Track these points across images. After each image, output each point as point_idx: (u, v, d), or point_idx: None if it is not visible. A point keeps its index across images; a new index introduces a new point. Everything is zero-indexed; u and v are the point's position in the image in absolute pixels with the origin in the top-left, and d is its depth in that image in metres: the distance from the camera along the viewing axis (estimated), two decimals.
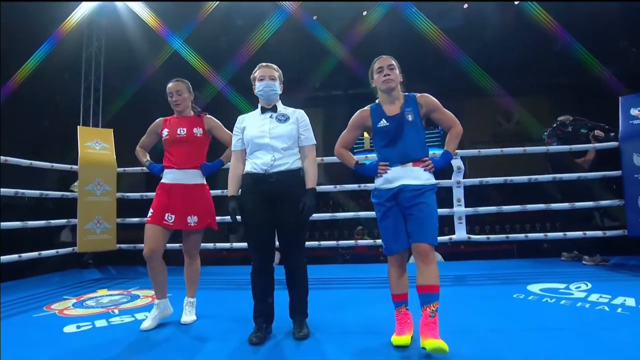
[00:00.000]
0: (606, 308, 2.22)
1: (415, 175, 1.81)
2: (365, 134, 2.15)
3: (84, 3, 5.57)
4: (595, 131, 3.57)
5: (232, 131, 2.13)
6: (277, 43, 7.48)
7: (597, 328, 1.94)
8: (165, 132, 2.31)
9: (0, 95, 6.07)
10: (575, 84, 9.26)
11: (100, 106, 5.67)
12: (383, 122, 1.87)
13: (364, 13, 7.58)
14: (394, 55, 1.94)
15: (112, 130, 4.27)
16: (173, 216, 2.20)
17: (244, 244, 3.91)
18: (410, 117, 1.85)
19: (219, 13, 6.54)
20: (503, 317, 2.18)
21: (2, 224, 3.02)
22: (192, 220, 2.23)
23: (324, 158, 3.56)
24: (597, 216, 5.04)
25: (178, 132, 2.27)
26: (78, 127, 4.20)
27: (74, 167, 3.85)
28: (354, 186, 3.81)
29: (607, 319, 2.08)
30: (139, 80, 7.73)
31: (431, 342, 1.57)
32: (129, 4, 5.96)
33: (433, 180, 1.86)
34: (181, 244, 2.38)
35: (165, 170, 2.29)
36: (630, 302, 2.30)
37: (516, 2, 7.14)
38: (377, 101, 1.96)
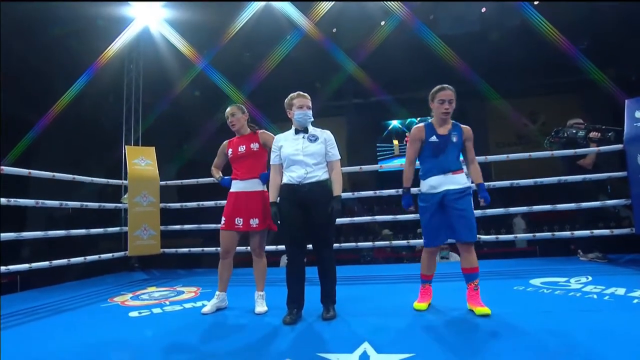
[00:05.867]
0: (595, 296, 2.47)
1: (455, 181, 2.33)
2: (395, 142, 2.64)
3: (124, 33, 6.23)
4: (592, 133, 3.75)
5: None
6: (299, 57, 7.96)
7: (576, 311, 2.22)
8: (230, 152, 2.74)
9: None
10: (602, 82, 9.13)
11: (140, 125, 6.30)
12: (434, 138, 2.38)
13: (382, 23, 7.93)
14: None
15: (154, 148, 4.83)
16: (241, 219, 2.61)
17: (273, 247, 4.34)
18: (455, 139, 2.38)
19: (243, 34, 7.07)
20: (496, 304, 2.44)
21: (73, 231, 3.60)
22: (253, 222, 2.60)
23: (342, 168, 3.93)
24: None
25: (239, 150, 2.69)
26: (125, 146, 4.79)
27: (125, 182, 4.42)
28: (370, 193, 4.15)
29: (591, 304, 2.33)
30: (173, 100, 8.43)
31: (479, 310, 2.20)
32: (164, 32, 6.59)
33: (469, 183, 2.40)
34: (247, 247, 2.79)
35: (233, 182, 2.72)
36: (621, 291, 2.53)
37: (536, 2, 7.26)
38: (429, 120, 2.45)
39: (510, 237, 4.10)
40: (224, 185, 2.79)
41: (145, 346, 2.03)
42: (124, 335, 2.21)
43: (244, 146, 2.69)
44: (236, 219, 2.61)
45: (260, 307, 2.56)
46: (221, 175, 2.86)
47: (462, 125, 2.43)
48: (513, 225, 8.05)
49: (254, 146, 2.69)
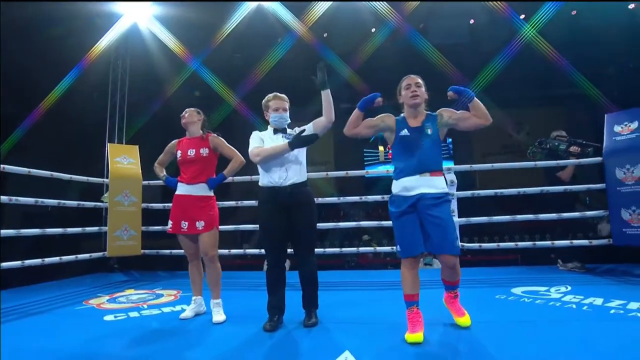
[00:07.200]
0: (574, 306, 2.50)
1: (432, 184, 2.02)
2: (380, 148, 2.46)
3: (112, 29, 6.11)
4: (572, 147, 3.84)
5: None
6: (289, 60, 7.94)
7: (556, 321, 2.24)
8: (178, 153, 2.67)
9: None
10: (584, 95, 9.37)
11: (124, 122, 6.17)
12: (405, 132, 2.10)
13: (373, 30, 7.99)
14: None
15: (137, 146, 4.73)
16: (186, 223, 2.57)
17: (256, 251, 4.29)
18: (429, 131, 2.07)
19: (233, 35, 7.01)
20: (477, 313, 2.44)
21: (48, 230, 3.47)
22: (199, 224, 2.56)
23: (329, 173, 3.93)
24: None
25: (188, 153, 2.63)
26: (108, 144, 4.67)
27: (105, 180, 4.30)
28: (356, 198, 4.14)
29: (569, 314, 2.36)
30: (160, 98, 8.29)
31: (460, 320, 2.15)
32: (153, 29, 6.48)
33: (447, 189, 2.10)
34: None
35: (179, 184, 2.65)
36: (598, 301, 2.57)
37: (522, 16, 7.42)
38: (402, 115, 2.17)
39: (493, 245, 4.12)
40: (169, 186, 2.72)
41: (118, 354, 1.95)
42: (96, 341, 2.13)
43: (194, 150, 2.63)
44: (182, 223, 2.57)
45: (218, 315, 2.46)
46: (165, 174, 2.78)
47: (436, 112, 2.13)
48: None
49: (204, 151, 2.63)
